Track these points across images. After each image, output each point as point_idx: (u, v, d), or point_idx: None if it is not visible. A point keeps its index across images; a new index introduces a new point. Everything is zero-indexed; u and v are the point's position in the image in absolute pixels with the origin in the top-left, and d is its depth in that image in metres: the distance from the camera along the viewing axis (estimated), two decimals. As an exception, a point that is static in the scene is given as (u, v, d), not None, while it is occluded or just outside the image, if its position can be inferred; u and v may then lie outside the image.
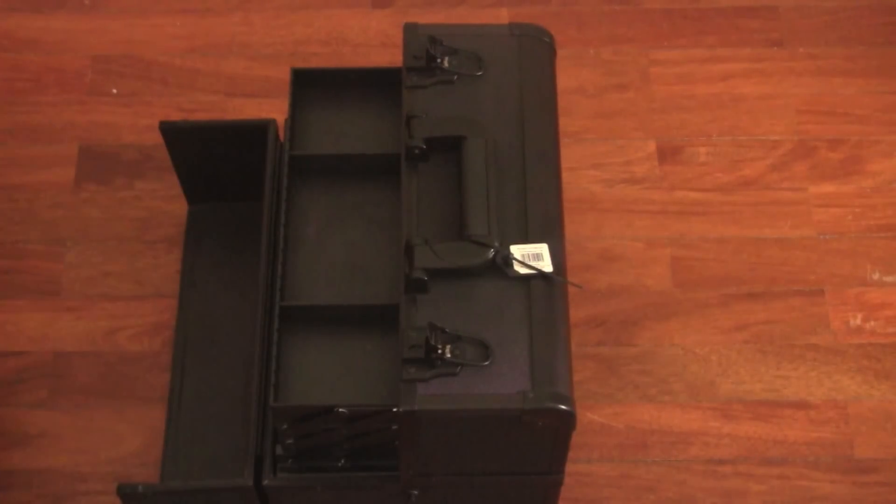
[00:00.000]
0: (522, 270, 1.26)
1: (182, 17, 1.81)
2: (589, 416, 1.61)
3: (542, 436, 1.25)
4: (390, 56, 1.87)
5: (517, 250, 1.26)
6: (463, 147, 1.31)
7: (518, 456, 1.31)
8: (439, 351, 1.21)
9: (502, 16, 1.93)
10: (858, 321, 1.68)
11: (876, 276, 1.71)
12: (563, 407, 1.21)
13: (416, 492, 1.37)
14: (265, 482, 1.35)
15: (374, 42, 1.90)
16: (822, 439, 1.60)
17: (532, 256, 1.27)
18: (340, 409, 1.24)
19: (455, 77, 1.37)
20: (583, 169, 1.79)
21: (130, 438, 1.60)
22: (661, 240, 1.74)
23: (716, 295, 1.70)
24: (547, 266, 1.26)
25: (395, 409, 1.22)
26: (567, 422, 1.22)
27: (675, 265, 1.72)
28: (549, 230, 1.29)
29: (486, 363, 1.22)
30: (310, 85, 1.48)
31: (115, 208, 1.73)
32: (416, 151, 1.32)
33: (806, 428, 1.61)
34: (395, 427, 1.27)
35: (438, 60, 1.38)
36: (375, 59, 1.88)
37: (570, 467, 1.58)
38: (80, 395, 1.63)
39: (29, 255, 1.73)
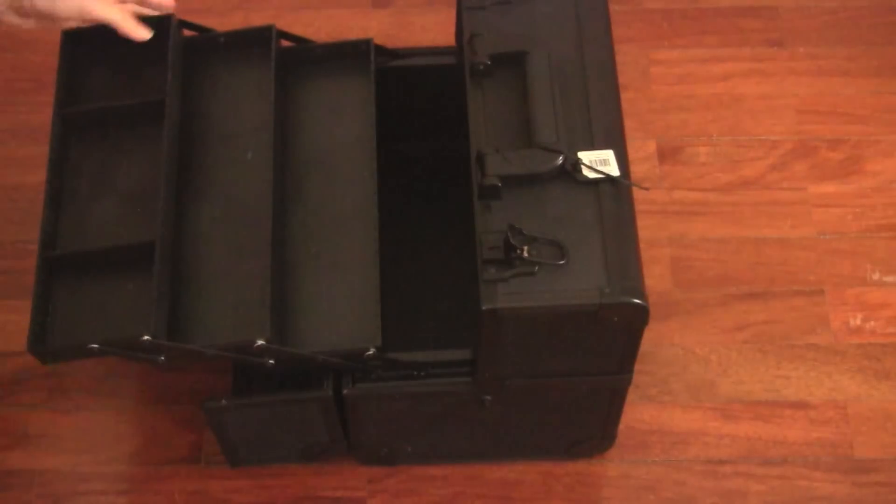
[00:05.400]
0: (591, 175, 1.30)
1: (182, 17, 1.80)
2: (589, 416, 1.61)
3: (616, 332, 1.30)
4: (390, 56, 1.87)
5: (585, 156, 1.30)
6: (527, 61, 1.35)
7: (591, 355, 1.35)
8: (518, 251, 1.24)
9: (502, 16, 1.93)
10: (858, 321, 1.68)
11: (876, 276, 1.71)
12: (638, 301, 1.25)
13: (489, 397, 1.41)
14: (345, 392, 1.40)
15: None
16: (822, 439, 1.60)
17: (599, 162, 1.30)
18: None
19: None
20: (583, 169, 1.79)
21: (130, 438, 1.61)
22: (661, 240, 1.74)
23: (716, 295, 1.70)
24: (614, 170, 1.30)
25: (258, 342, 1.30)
26: (641, 316, 1.27)
27: (675, 265, 1.72)
28: (613, 138, 1.33)
29: (563, 262, 1.25)
30: (84, 44, 1.48)
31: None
32: (481, 67, 1.36)
33: (806, 428, 1.61)
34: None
35: None
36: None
37: (570, 467, 1.58)
38: (80, 395, 1.63)
39: (29, 255, 1.73)
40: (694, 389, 1.64)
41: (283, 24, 1.91)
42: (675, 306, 1.69)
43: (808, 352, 1.66)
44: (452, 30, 1.54)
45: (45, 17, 1.35)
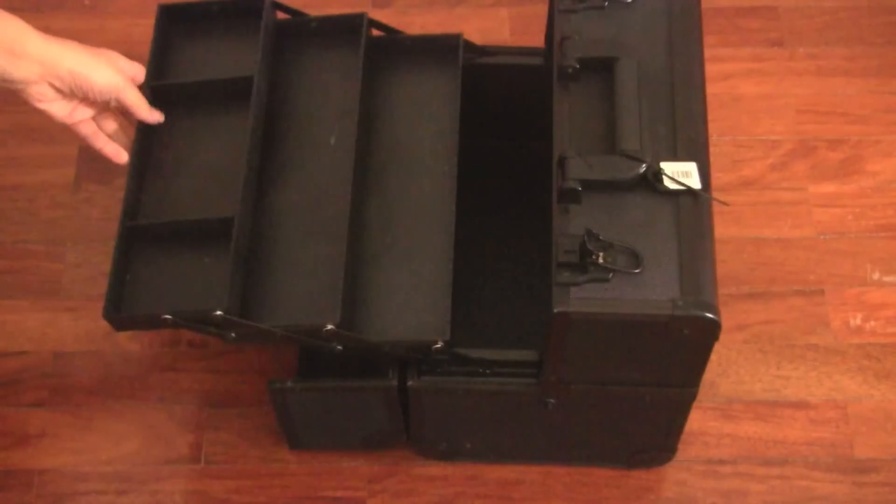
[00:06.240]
0: (672, 186, 1.29)
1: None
2: (589, 416, 1.61)
3: (685, 345, 1.29)
4: (390, 56, 1.87)
5: (667, 167, 1.30)
6: (615, 67, 1.35)
7: (658, 366, 1.34)
8: (593, 256, 1.24)
9: (502, 16, 1.93)
10: (858, 321, 1.68)
11: (876, 276, 1.71)
12: (710, 315, 1.24)
13: (553, 400, 1.41)
14: (409, 383, 1.40)
15: (374, 42, 1.90)
16: (822, 439, 1.60)
17: (681, 174, 1.30)
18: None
19: (606, 3, 1.41)
20: (583, 169, 1.79)
21: (130, 438, 1.61)
22: (661, 240, 1.74)
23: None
24: (695, 183, 1.29)
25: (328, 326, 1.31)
26: (712, 331, 1.26)
27: (675, 265, 1.72)
28: (696, 150, 1.32)
29: (637, 271, 1.25)
30: (177, 20, 1.51)
31: (115, 208, 1.73)
32: (570, 71, 1.36)
33: (806, 428, 1.61)
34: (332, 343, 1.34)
35: None
36: (375, 59, 1.88)
37: (569, 467, 1.58)
38: (80, 395, 1.63)
39: (29, 255, 1.73)
40: (694, 389, 1.64)
41: (283, 24, 1.91)
42: (675, 306, 1.69)
43: (808, 352, 1.66)
44: (451, 30, 1.54)
45: (81, 89, 1.35)
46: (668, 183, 1.29)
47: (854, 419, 1.62)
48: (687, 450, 1.59)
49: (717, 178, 1.78)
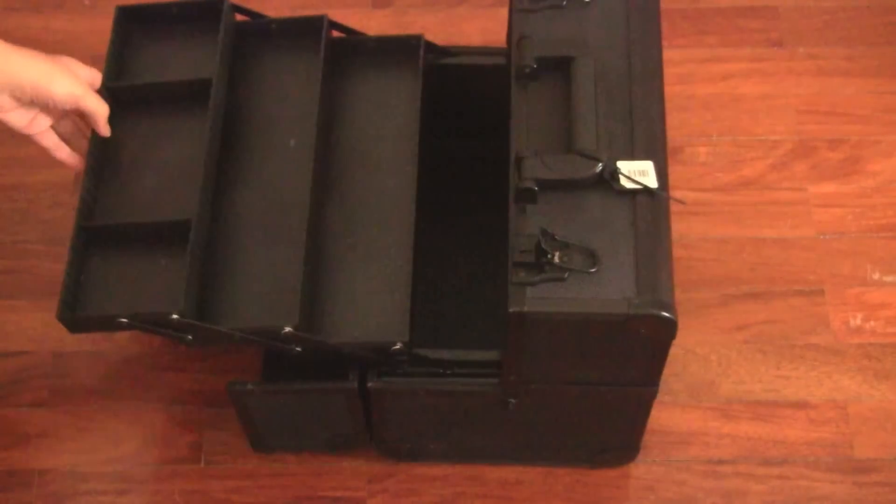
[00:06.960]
0: (628, 185, 1.29)
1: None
2: (589, 416, 1.61)
3: (642, 344, 1.29)
4: (390, 56, 1.87)
5: (623, 166, 1.30)
6: (572, 66, 1.35)
7: (616, 365, 1.34)
8: (549, 256, 1.24)
9: (503, 16, 1.92)
10: (858, 321, 1.68)
11: (876, 276, 1.71)
12: (666, 314, 1.24)
13: (513, 400, 1.41)
14: (369, 384, 1.40)
15: (374, 42, 1.90)
16: (822, 439, 1.60)
17: (638, 172, 1.30)
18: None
19: (564, 2, 1.41)
20: (583, 169, 1.79)
21: (130, 438, 1.61)
22: (661, 240, 1.74)
23: (716, 295, 1.70)
24: (652, 182, 1.29)
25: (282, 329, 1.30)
26: (668, 329, 1.26)
27: (676, 265, 1.71)
28: (653, 149, 1.32)
29: (593, 270, 1.25)
30: (135, 21, 1.51)
31: (115, 208, 1.74)
32: (527, 70, 1.36)
33: (806, 428, 1.61)
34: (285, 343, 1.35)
35: None
36: (375, 59, 1.88)
37: (569, 467, 1.58)
38: (80, 395, 1.63)
39: (29, 255, 1.73)
40: (694, 389, 1.64)
41: (283, 24, 1.91)
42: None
43: (808, 352, 1.66)
44: (452, 30, 1.54)
45: (41, 99, 1.34)
46: (624, 182, 1.29)
47: (854, 419, 1.62)
48: (687, 450, 1.60)
49: (717, 178, 1.79)
